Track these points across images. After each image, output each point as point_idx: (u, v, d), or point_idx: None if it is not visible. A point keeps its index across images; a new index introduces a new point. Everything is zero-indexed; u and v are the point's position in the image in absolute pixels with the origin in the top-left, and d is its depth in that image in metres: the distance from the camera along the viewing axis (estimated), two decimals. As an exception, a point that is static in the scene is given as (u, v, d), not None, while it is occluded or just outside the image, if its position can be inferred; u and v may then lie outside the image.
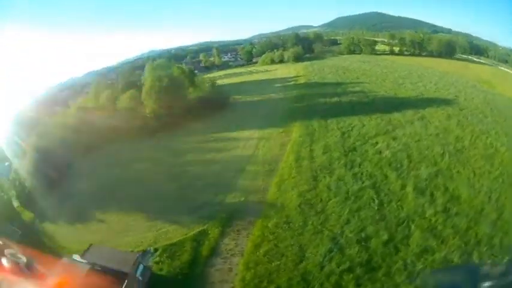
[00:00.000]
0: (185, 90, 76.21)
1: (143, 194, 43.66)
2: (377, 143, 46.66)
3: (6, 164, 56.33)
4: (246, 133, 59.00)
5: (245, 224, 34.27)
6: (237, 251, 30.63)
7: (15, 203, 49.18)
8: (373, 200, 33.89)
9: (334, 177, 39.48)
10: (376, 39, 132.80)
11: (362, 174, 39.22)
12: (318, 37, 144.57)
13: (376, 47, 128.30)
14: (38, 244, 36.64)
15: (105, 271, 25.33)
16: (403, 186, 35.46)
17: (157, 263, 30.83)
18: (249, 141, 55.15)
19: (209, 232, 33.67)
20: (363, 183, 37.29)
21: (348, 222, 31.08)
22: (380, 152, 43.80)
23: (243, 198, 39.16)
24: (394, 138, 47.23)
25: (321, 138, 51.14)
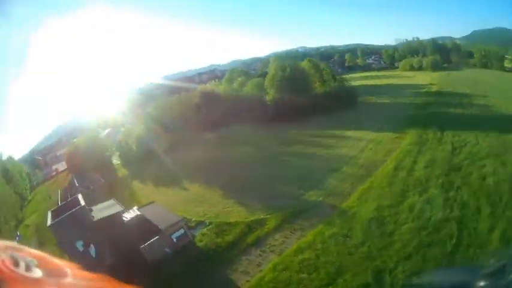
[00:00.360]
0: (311, 84, 74.37)
1: (233, 174, 45.23)
2: (485, 165, 35.23)
3: (122, 129, 70.01)
4: (359, 133, 52.77)
5: (306, 225, 29.75)
6: (278, 249, 26.94)
7: (116, 161, 60.41)
8: (452, 237, 23.27)
9: (423, 197, 29.98)
10: (506, 55, 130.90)
11: (455, 200, 28.68)
12: (456, 48, 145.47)
13: (505, 63, 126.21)
14: (117, 194, 43.78)
15: (145, 222, 27.17)
16: (492, 229, 23.84)
17: (203, 234, 31.10)
18: (358, 142, 49.11)
19: (267, 223, 31.15)
20: (451, 212, 26.82)
21: (408, 257, 22.13)
22: (484, 178, 32.23)
23: (320, 198, 34.41)
24: (503, 164, 35.00)
25: (429, 149, 42.05)
